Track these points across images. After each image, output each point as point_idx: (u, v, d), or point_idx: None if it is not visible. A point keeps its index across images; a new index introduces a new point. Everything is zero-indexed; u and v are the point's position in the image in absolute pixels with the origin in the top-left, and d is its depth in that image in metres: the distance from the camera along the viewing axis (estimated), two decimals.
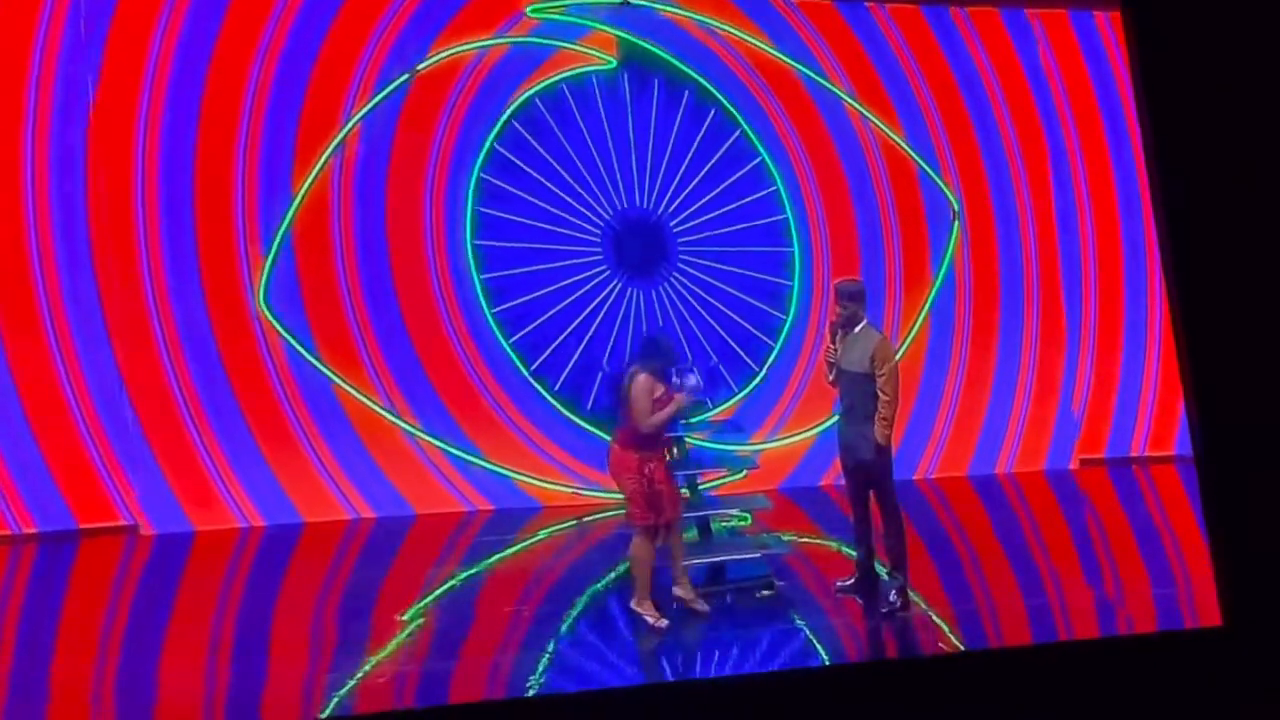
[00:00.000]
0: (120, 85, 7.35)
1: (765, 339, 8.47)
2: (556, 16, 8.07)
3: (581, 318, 8.17)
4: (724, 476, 7.91)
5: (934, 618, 5.62)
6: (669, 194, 8.36)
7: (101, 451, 7.32)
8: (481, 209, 8.01)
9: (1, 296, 7.16)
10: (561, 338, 8.13)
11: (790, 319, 8.48)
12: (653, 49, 8.27)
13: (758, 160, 8.48)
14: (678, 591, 5.75)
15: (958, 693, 4.72)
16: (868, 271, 8.40)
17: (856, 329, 5.70)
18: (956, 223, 8.68)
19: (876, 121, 8.57)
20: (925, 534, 6.91)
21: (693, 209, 8.38)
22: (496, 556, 6.96)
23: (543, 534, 7.42)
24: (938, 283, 8.66)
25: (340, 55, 7.72)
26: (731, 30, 8.35)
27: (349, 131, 7.72)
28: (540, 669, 5.08)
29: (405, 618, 5.80)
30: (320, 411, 7.65)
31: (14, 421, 7.17)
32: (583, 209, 8.22)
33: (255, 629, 5.82)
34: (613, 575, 6.41)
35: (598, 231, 8.24)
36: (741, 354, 8.41)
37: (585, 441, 8.01)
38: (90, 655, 5.46)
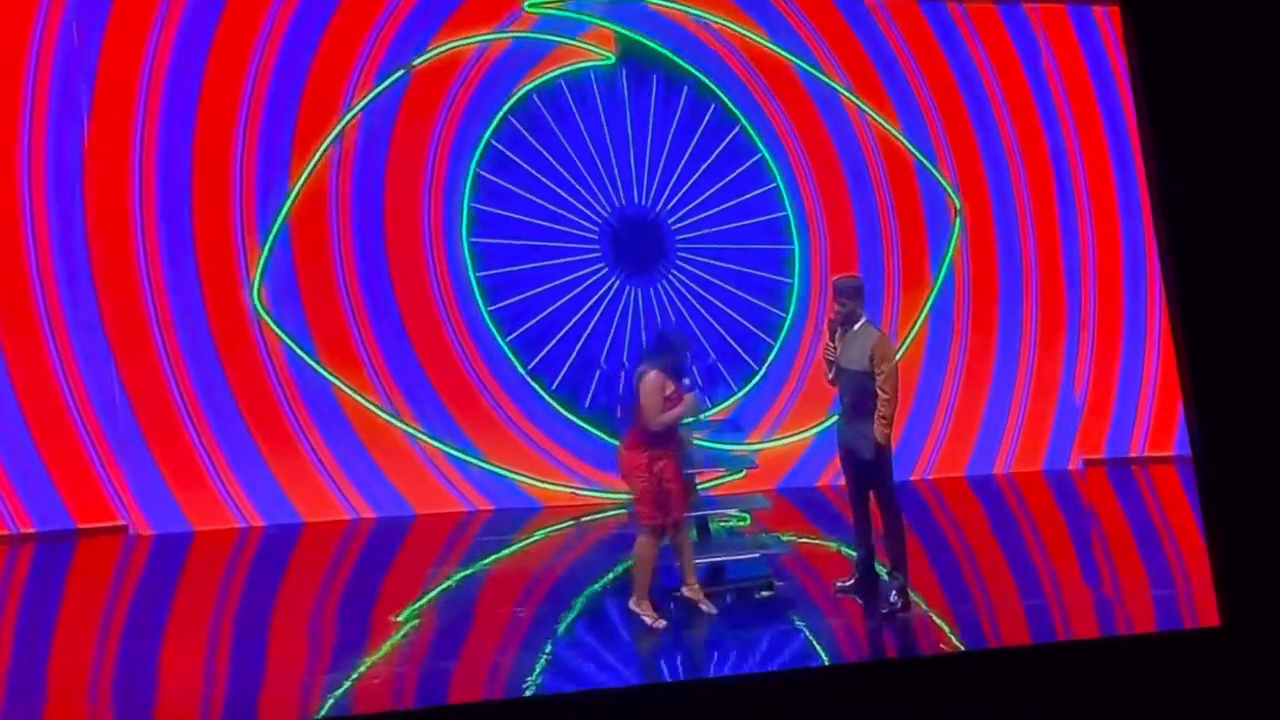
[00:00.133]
0: (118, 81, 7.31)
1: (764, 337, 8.46)
2: (555, 12, 8.04)
3: (579, 316, 8.15)
4: (723, 476, 7.90)
5: (934, 618, 5.63)
6: (667, 191, 8.33)
7: (99, 451, 7.30)
8: (479, 206, 7.99)
9: None
10: (559, 336, 8.11)
11: (790, 317, 8.47)
12: (651, 44, 8.24)
13: (757, 157, 8.45)
14: (685, 591, 5.73)
15: (958, 693, 4.73)
16: (866, 269, 8.36)
17: (855, 326, 5.67)
18: (959, 220, 8.65)
19: (875, 117, 8.53)
20: (924, 535, 6.90)
21: (691, 206, 8.36)
22: (494, 556, 6.96)
23: (539, 534, 7.41)
24: (938, 282, 8.64)
25: (340, 51, 7.68)
26: (729, 25, 8.31)
27: (344, 127, 7.68)
28: (538, 669, 5.08)
29: (403, 618, 5.79)
30: (319, 411, 7.63)
31: (12, 421, 7.15)
32: (581, 206, 8.19)
33: (253, 629, 5.81)
34: (611, 576, 6.41)
35: (596, 229, 8.22)
36: (740, 352, 8.39)
37: (585, 440, 8.00)
38: (88, 655, 5.46)
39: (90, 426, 7.29)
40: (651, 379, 5.45)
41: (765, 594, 6.01)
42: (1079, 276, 8.81)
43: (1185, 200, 5.00)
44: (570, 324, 8.12)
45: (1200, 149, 4.99)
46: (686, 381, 5.57)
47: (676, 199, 8.34)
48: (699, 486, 7.14)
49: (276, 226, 7.57)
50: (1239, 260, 4.94)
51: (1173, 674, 4.73)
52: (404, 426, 7.77)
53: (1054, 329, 8.74)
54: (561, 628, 5.63)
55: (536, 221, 8.09)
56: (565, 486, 7.97)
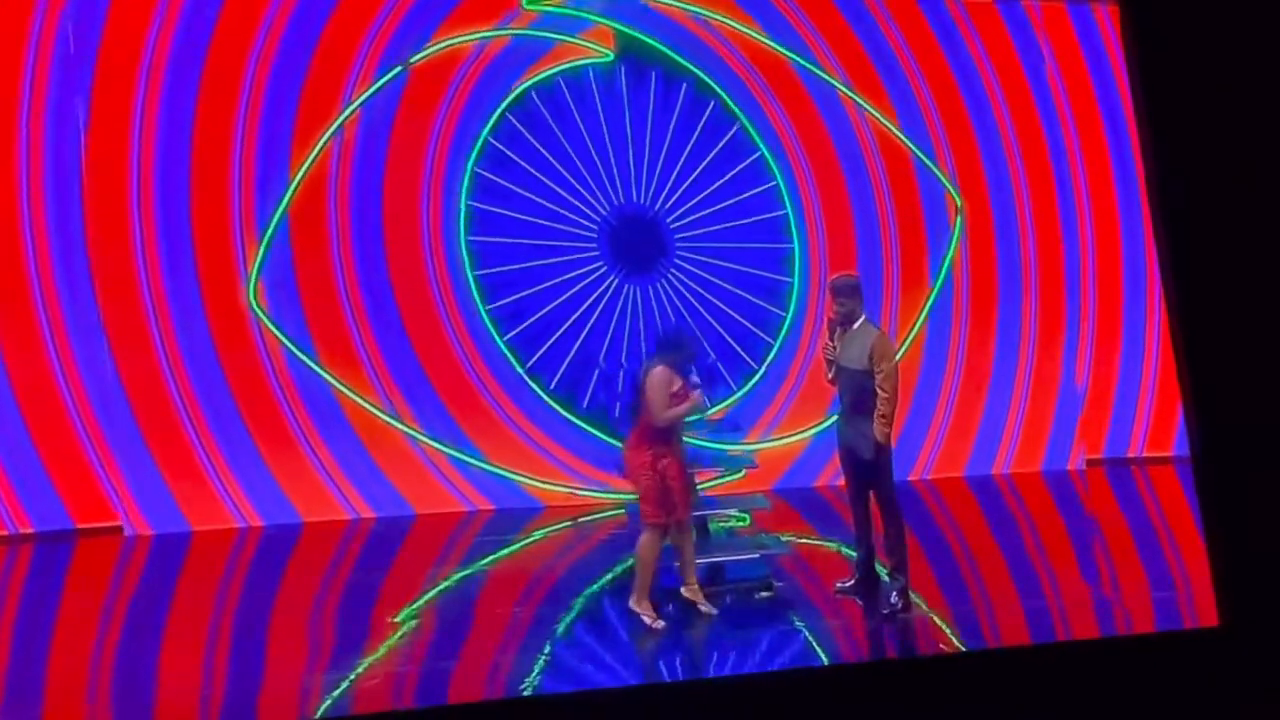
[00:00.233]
0: (116, 78, 7.30)
1: (763, 336, 8.45)
2: (555, 9, 8.01)
3: (578, 314, 8.14)
4: (721, 476, 7.89)
5: (935, 619, 5.63)
6: (666, 189, 8.32)
7: (98, 451, 7.30)
8: (477, 204, 7.98)
9: None
10: (557, 335, 8.10)
11: (790, 316, 8.45)
12: (650, 42, 8.21)
13: (757, 155, 8.43)
14: (685, 592, 5.72)
15: (958, 693, 4.72)
16: (865, 269, 8.35)
17: (855, 325, 5.65)
18: (959, 219, 8.63)
19: (874, 113, 8.51)
20: (923, 535, 6.90)
21: (690, 204, 8.35)
22: (492, 557, 6.95)
23: (538, 534, 7.41)
24: (939, 281, 8.62)
25: (339, 48, 7.67)
26: (727, 21, 8.29)
27: (340, 125, 7.66)
28: (537, 670, 5.08)
29: (402, 618, 5.79)
30: (318, 411, 7.63)
31: (11, 422, 7.14)
32: (579, 204, 8.19)
33: (252, 629, 5.81)
34: (609, 576, 6.41)
35: (594, 227, 8.21)
36: (740, 351, 8.38)
37: (584, 439, 8.00)
38: (87, 655, 5.46)
39: (89, 426, 7.28)
40: (659, 374, 5.44)
41: (764, 595, 6.00)
42: (1078, 276, 8.79)
43: (1185, 200, 4.99)
44: (568, 323, 8.12)
45: (1200, 148, 4.97)
46: (695, 379, 5.55)
47: (675, 197, 8.33)
48: (697, 486, 7.14)
49: (274, 223, 7.56)
50: (1238, 260, 4.92)
51: (1171, 674, 4.72)
52: (404, 428, 7.76)
53: (1053, 328, 8.73)
54: (561, 628, 5.63)
55: (535, 220, 8.08)
56: (564, 486, 7.97)
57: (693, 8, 8.22)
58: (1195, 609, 5.51)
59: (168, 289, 7.39)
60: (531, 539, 7.33)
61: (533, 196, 8.07)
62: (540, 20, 8.02)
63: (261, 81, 7.55)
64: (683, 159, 8.33)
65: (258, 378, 7.55)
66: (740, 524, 7.12)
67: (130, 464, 7.33)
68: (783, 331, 8.44)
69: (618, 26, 8.15)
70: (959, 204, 8.62)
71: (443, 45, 7.84)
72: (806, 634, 5.50)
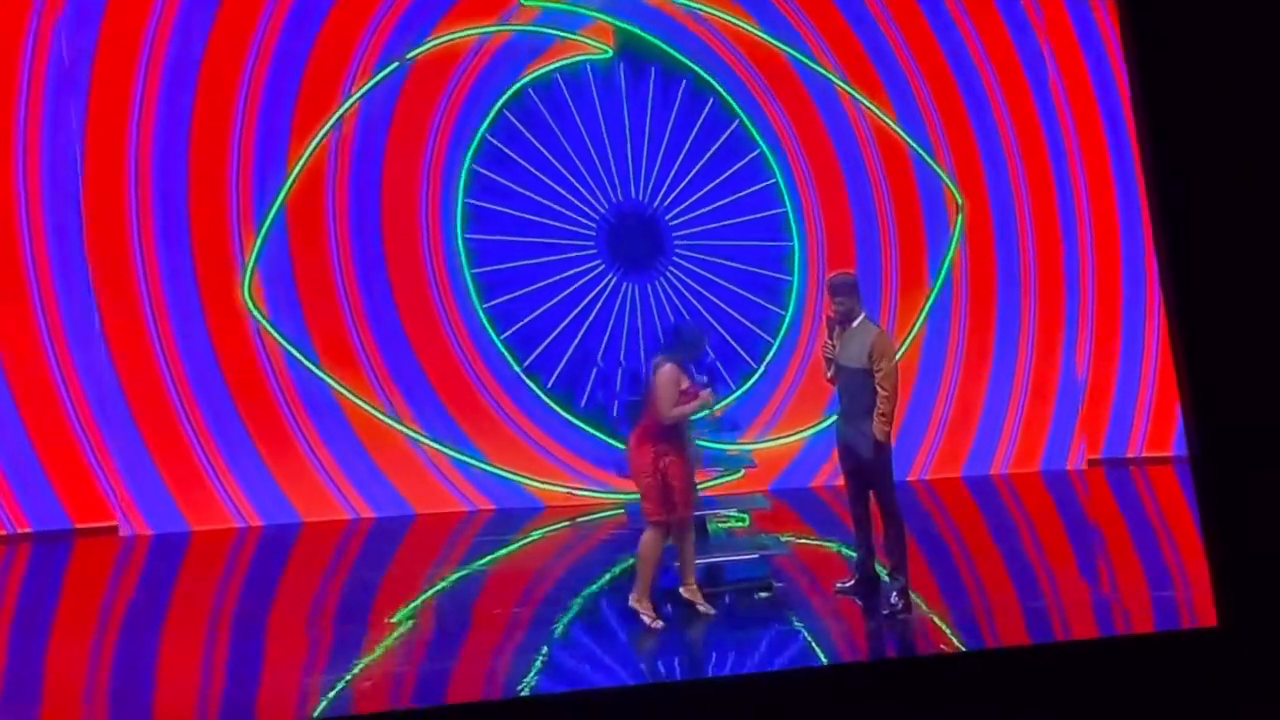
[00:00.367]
0: (114, 72, 7.28)
1: (762, 334, 8.43)
2: (554, 5, 7.98)
3: (576, 313, 8.13)
4: (720, 475, 7.87)
5: (935, 619, 5.63)
6: (665, 186, 8.30)
7: (97, 451, 7.29)
8: (475, 202, 7.96)
9: None
10: (555, 333, 8.09)
11: (790, 315, 8.43)
12: (649, 38, 8.17)
13: (756, 152, 8.40)
14: (684, 593, 5.71)
15: (958, 693, 4.72)
16: (864, 268, 8.29)
17: (854, 323, 5.63)
18: (960, 217, 8.60)
19: (874, 109, 8.47)
20: (922, 535, 6.89)
21: (689, 202, 8.33)
22: (492, 556, 6.95)
23: (536, 534, 7.40)
24: (939, 280, 8.59)
25: (339, 41, 7.63)
26: (726, 18, 8.25)
27: (336, 122, 7.63)
28: (535, 670, 5.08)
29: (401, 618, 5.79)
30: (318, 410, 7.62)
31: (9, 422, 7.13)
32: (577, 201, 8.17)
33: (251, 629, 5.80)
34: (608, 577, 6.40)
35: (592, 225, 8.20)
36: (739, 350, 8.36)
37: (583, 438, 7.99)
38: (85, 655, 5.46)
39: (87, 426, 7.27)
40: (667, 372, 5.42)
41: (763, 595, 6.00)
42: (1077, 276, 8.74)
43: (1184, 200, 4.98)
44: (566, 321, 8.10)
45: (1199, 148, 4.96)
46: (704, 378, 5.54)
47: (674, 195, 8.30)
48: (697, 486, 7.12)
49: (270, 216, 7.53)
50: (1238, 260, 4.92)
51: (1170, 674, 4.72)
52: (403, 429, 7.74)
53: (1052, 328, 8.68)
54: (559, 628, 5.62)
55: (533, 217, 8.06)
56: (561, 486, 7.94)
57: (692, 4, 8.18)
58: (1194, 609, 5.51)
59: (165, 287, 7.38)
60: (530, 539, 7.32)
61: (530, 194, 8.04)
62: (540, 17, 7.99)
63: (261, 75, 7.51)
64: (681, 156, 8.30)
65: (256, 376, 7.54)
66: (739, 524, 7.12)
67: (128, 463, 7.32)
68: (782, 330, 8.42)
69: (617, 23, 8.12)
70: (960, 202, 8.58)
71: (441, 40, 7.81)
72: (806, 635, 5.50)
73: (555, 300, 8.09)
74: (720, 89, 8.31)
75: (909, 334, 8.49)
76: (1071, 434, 8.72)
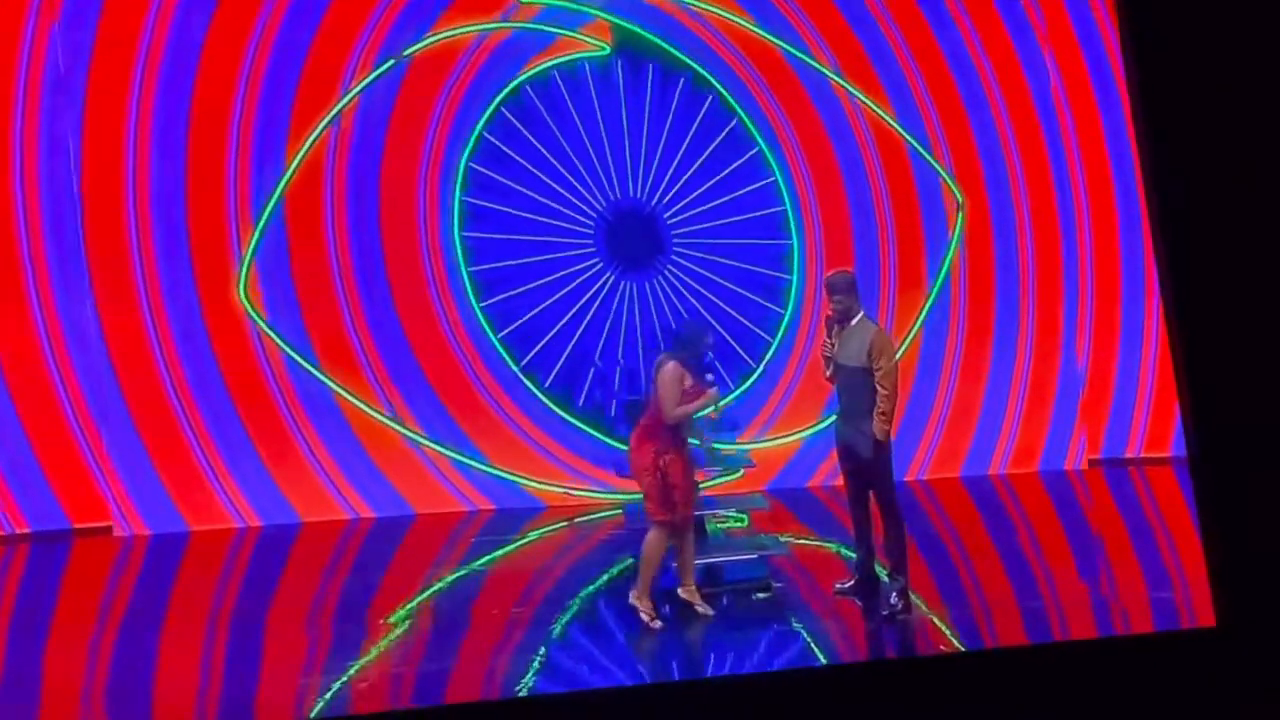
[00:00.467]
0: (112, 69, 7.27)
1: (761, 334, 8.42)
2: (552, 2, 7.96)
3: (574, 311, 8.11)
4: (719, 475, 7.85)
5: (935, 620, 5.63)
6: (663, 184, 8.29)
7: (94, 451, 7.28)
8: (472, 200, 7.94)
9: None
10: (553, 332, 8.08)
11: (789, 314, 8.42)
12: (647, 35, 8.15)
13: (755, 150, 8.39)
14: (682, 593, 5.70)
15: (957, 693, 4.72)
16: (863, 267, 8.28)
17: (853, 322, 5.60)
18: (960, 216, 8.58)
19: (873, 106, 8.45)
20: (921, 535, 6.88)
21: (688, 200, 8.31)
22: (490, 557, 6.95)
23: (534, 534, 7.40)
24: (939, 280, 8.58)
25: (338, 37, 7.61)
26: (724, 14, 8.22)
27: (332, 119, 7.61)
28: (534, 670, 5.08)
29: (399, 619, 5.79)
30: (316, 409, 7.61)
31: (7, 422, 7.12)
32: (575, 200, 8.15)
33: (249, 629, 5.80)
34: (606, 577, 6.40)
35: (590, 223, 8.18)
36: (738, 349, 8.35)
37: (583, 437, 7.97)
38: (83, 655, 5.46)
39: (85, 426, 7.26)
40: (670, 370, 5.40)
41: (762, 596, 5.99)
42: (1076, 276, 8.72)
43: (1183, 200, 4.98)
44: (564, 320, 8.09)
45: (1199, 148, 4.96)
46: (709, 377, 5.53)
47: (673, 193, 8.29)
48: (697, 486, 7.12)
49: (267, 212, 7.51)
50: (1237, 260, 4.92)
51: (1169, 674, 4.73)
52: (403, 430, 7.73)
53: (1051, 328, 8.66)
54: (558, 628, 5.62)
55: (531, 216, 8.04)
56: (559, 486, 7.93)
57: (690, 2, 8.15)
58: (1193, 609, 5.51)
59: (164, 287, 7.36)
60: (528, 539, 7.32)
61: (528, 192, 8.03)
62: (540, 14, 7.97)
63: (259, 70, 7.49)
64: (680, 154, 8.28)
65: (254, 376, 7.53)
66: (738, 524, 7.11)
67: (126, 463, 7.32)
68: (781, 329, 8.40)
69: (615, 20, 8.09)
70: (960, 200, 8.57)
71: (439, 37, 7.79)
72: (805, 635, 5.50)
73: (553, 299, 8.07)
74: (719, 87, 8.29)
75: (908, 333, 8.47)
76: (1070, 434, 8.71)
